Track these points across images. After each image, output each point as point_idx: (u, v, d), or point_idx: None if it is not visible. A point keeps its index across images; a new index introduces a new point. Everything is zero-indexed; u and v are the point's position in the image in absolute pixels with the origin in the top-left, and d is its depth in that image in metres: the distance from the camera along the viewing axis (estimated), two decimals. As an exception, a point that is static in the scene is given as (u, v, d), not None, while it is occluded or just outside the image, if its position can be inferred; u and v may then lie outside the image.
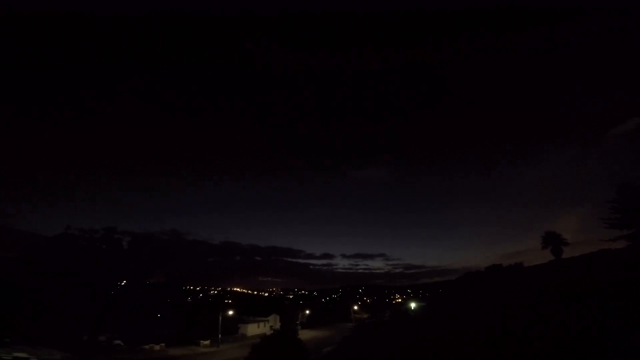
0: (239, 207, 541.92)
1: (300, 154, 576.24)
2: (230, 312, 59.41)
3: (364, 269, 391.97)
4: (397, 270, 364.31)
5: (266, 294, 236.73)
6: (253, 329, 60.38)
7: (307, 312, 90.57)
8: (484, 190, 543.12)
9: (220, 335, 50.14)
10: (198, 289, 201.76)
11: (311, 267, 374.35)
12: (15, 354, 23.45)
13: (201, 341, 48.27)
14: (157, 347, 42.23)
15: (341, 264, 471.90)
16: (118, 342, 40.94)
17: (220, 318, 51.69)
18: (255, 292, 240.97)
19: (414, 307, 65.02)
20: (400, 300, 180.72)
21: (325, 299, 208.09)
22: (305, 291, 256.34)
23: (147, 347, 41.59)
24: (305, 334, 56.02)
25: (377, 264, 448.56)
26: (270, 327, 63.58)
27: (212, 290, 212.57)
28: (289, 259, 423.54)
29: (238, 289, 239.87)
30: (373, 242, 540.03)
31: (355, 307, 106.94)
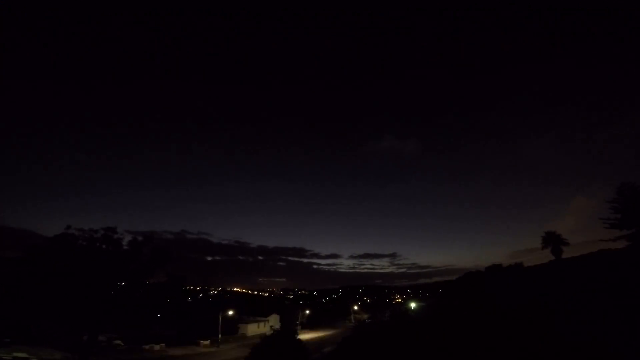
0: (254, 208, 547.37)
1: (315, 155, 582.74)
2: (230, 312, 59.34)
3: (368, 268, 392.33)
4: (401, 270, 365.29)
5: (266, 294, 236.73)
6: (253, 329, 60.36)
7: (307, 312, 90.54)
8: (488, 190, 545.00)
9: (220, 335, 50.11)
10: (198, 289, 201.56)
11: (315, 266, 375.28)
12: (15, 354, 23.42)
13: (201, 341, 48.21)
14: (157, 347, 42.18)
15: (346, 263, 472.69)
16: (118, 342, 40.89)
17: (220, 318, 51.66)
18: (255, 292, 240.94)
19: (414, 307, 65.03)
20: (400, 300, 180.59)
21: (325, 299, 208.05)
22: (305, 291, 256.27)
23: (147, 347, 41.53)
24: (305, 334, 56.03)
25: (381, 264, 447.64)
26: (270, 327, 63.55)
27: (212, 290, 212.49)
28: (292, 258, 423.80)
29: (238, 289, 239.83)
30: (384, 242, 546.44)
31: (355, 307, 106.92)
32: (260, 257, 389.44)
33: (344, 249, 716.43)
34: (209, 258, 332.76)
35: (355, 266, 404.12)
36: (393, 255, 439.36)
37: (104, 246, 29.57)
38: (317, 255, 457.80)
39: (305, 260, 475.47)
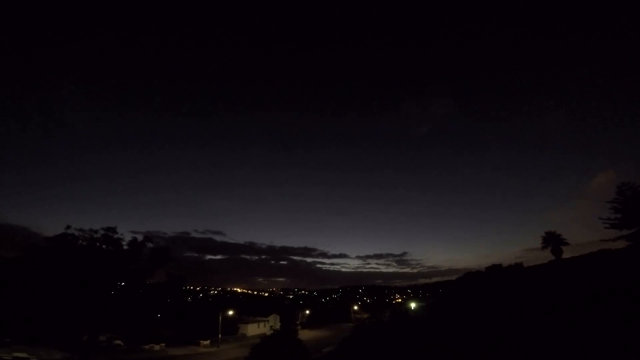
0: (268, 208, 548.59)
1: (326, 156, 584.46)
2: (230, 312, 59.39)
3: (373, 268, 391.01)
4: (404, 271, 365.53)
5: (266, 294, 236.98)
6: (253, 329, 60.36)
7: (307, 312, 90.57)
8: (491, 192, 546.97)
9: (220, 335, 50.14)
10: (198, 289, 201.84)
11: (318, 265, 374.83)
12: (15, 354, 23.40)
13: (201, 341, 48.25)
14: (157, 347, 42.21)
15: (351, 263, 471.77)
16: (118, 342, 40.91)
17: (220, 318, 51.69)
18: (255, 292, 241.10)
19: (414, 307, 64.99)
20: (400, 300, 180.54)
21: (325, 299, 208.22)
22: (305, 291, 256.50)
23: (147, 347, 41.56)
24: (305, 334, 55.98)
25: (386, 264, 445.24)
26: (270, 327, 63.42)
27: (212, 290, 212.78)
28: (296, 258, 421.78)
29: (238, 289, 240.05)
30: (396, 242, 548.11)
31: (355, 307, 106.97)
32: (263, 257, 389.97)
33: (354, 249, 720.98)
34: (209, 257, 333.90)
35: (360, 266, 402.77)
36: (402, 255, 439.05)
37: (104, 246, 29.56)
38: (323, 255, 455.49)
39: (308, 259, 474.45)
